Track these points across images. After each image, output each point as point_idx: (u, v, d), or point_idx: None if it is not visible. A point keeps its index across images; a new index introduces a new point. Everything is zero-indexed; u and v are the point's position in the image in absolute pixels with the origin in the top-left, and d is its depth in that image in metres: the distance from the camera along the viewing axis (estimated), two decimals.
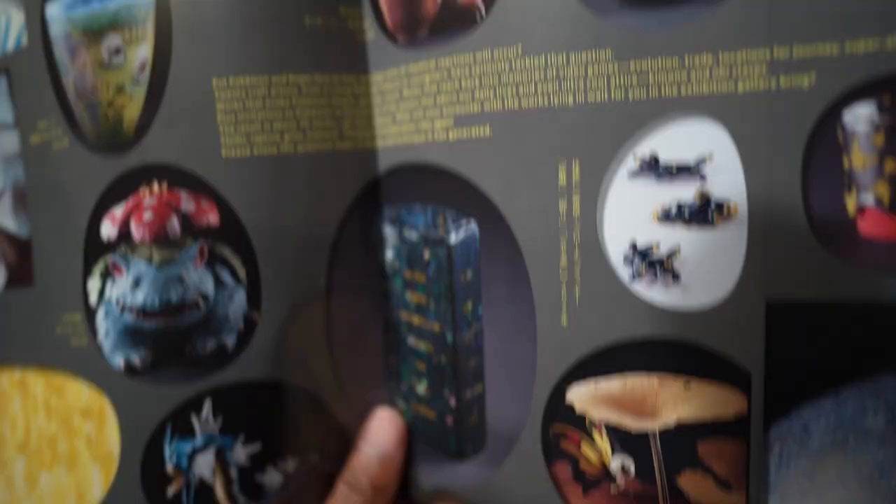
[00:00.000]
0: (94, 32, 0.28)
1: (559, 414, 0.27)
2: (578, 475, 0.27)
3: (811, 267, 0.22)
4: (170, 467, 0.29)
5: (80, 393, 0.30)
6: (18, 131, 0.31)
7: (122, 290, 0.29)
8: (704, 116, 0.23)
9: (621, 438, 0.26)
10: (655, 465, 0.25)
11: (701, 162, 0.23)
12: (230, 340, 0.29)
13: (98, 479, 0.30)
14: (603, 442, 0.26)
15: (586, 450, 0.26)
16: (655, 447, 0.25)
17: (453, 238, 0.28)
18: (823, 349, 0.23)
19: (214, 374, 0.29)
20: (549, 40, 0.25)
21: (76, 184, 0.29)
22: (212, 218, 0.29)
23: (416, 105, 0.28)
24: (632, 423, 0.25)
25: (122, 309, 0.29)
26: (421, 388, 0.31)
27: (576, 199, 0.25)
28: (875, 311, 0.22)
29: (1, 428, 0.33)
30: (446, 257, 0.28)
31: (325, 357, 0.31)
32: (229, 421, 0.29)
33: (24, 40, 0.30)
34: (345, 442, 0.32)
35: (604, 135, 0.25)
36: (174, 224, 0.29)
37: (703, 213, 0.24)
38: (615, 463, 0.26)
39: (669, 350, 0.24)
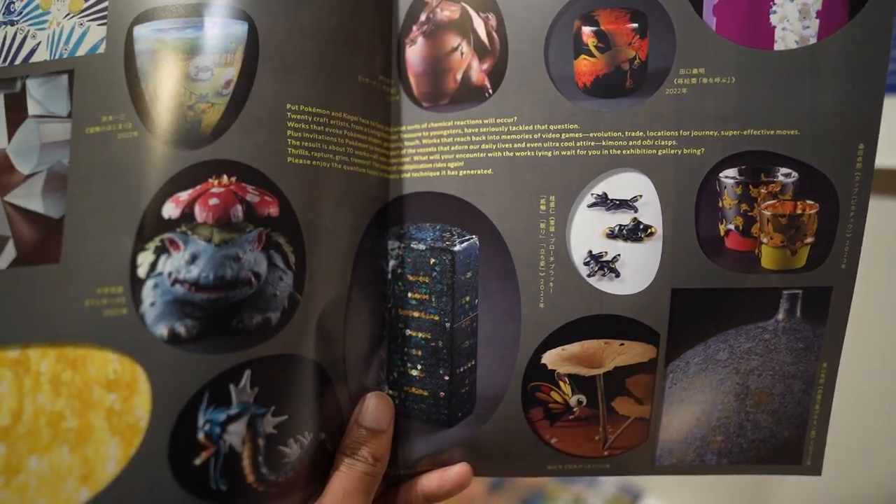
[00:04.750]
0: (185, 52, 0.34)
1: (535, 373, 0.37)
2: (548, 414, 0.37)
3: (697, 267, 0.36)
4: (201, 436, 0.31)
5: (106, 364, 0.32)
6: (72, 122, 0.34)
7: (176, 265, 0.32)
8: (637, 170, 0.37)
9: (578, 383, 0.37)
10: (599, 396, 0.37)
11: (634, 199, 0.37)
12: (275, 316, 0.33)
13: (115, 453, 0.31)
14: (566, 387, 0.37)
15: (554, 395, 0.37)
16: (600, 385, 0.37)
17: (458, 247, 0.38)
18: (701, 316, 0.37)
19: (256, 346, 0.32)
20: (535, 115, 0.37)
21: (140, 169, 0.33)
22: (272, 210, 0.34)
23: (434, 150, 0.39)
24: (586, 372, 0.37)
25: (175, 282, 0.32)
26: (415, 371, 0.39)
27: (552, 221, 0.37)
28: (728, 293, 0.37)
29: None
30: (450, 262, 0.38)
31: (339, 343, 0.37)
32: (264, 392, 0.32)
33: (103, 49, 0.34)
34: (342, 423, 0.36)
35: (571, 179, 0.37)
36: (238, 210, 0.33)
37: (635, 232, 0.37)
38: (573, 399, 0.37)
39: (612, 322, 0.37)
